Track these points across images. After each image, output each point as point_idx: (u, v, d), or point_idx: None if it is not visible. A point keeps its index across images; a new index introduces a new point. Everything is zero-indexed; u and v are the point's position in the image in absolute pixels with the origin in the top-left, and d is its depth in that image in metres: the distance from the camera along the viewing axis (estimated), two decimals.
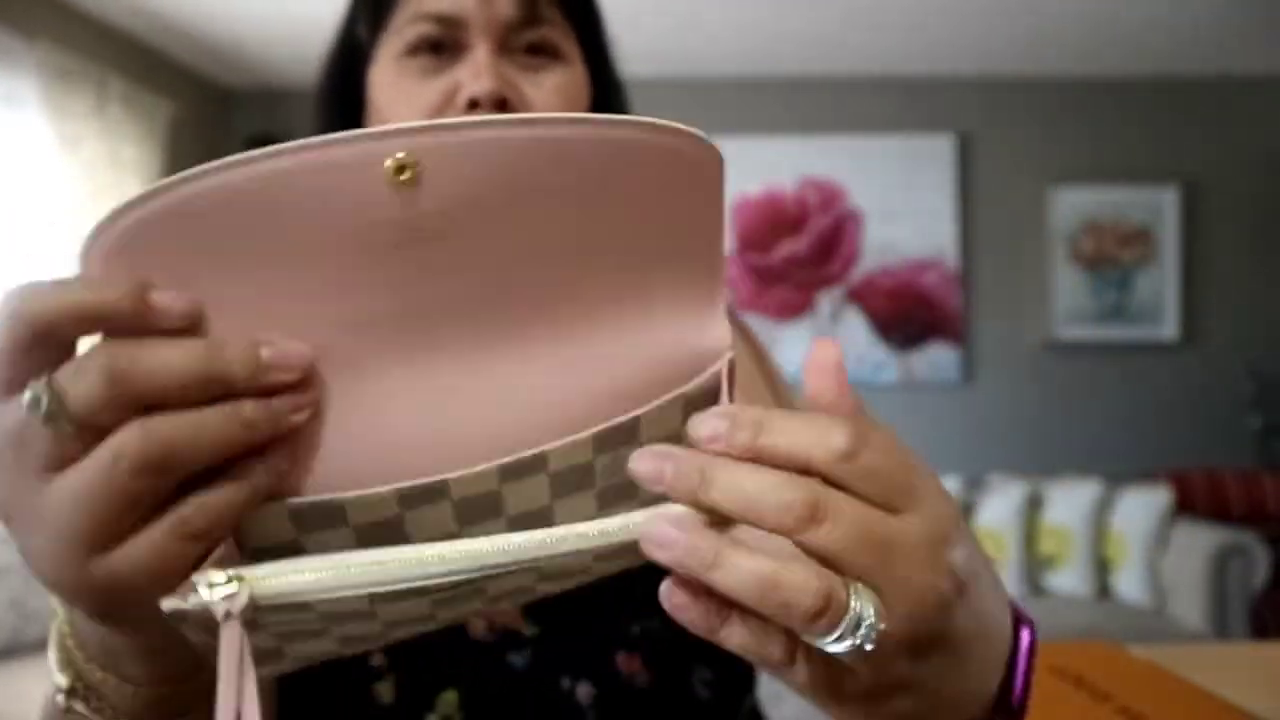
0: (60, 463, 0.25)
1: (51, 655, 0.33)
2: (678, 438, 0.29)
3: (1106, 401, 3.42)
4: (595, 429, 0.29)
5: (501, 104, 0.53)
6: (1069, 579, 2.89)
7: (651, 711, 0.55)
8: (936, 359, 3.40)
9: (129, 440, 0.24)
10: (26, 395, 0.24)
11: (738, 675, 0.58)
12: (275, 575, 0.25)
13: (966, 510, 2.97)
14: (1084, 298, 3.40)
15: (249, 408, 0.25)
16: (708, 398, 0.31)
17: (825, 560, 0.25)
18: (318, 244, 0.24)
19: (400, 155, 0.23)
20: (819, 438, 0.26)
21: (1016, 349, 3.44)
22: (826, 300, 3.41)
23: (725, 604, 0.26)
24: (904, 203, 3.42)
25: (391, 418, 0.27)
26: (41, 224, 2.60)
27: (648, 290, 0.28)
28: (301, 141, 0.23)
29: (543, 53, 0.56)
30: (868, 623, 0.25)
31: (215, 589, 0.24)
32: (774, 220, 3.42)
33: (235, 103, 3.55)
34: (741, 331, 0.66)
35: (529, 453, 0.29)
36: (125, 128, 2.91)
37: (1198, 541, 2.73)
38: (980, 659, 0.30)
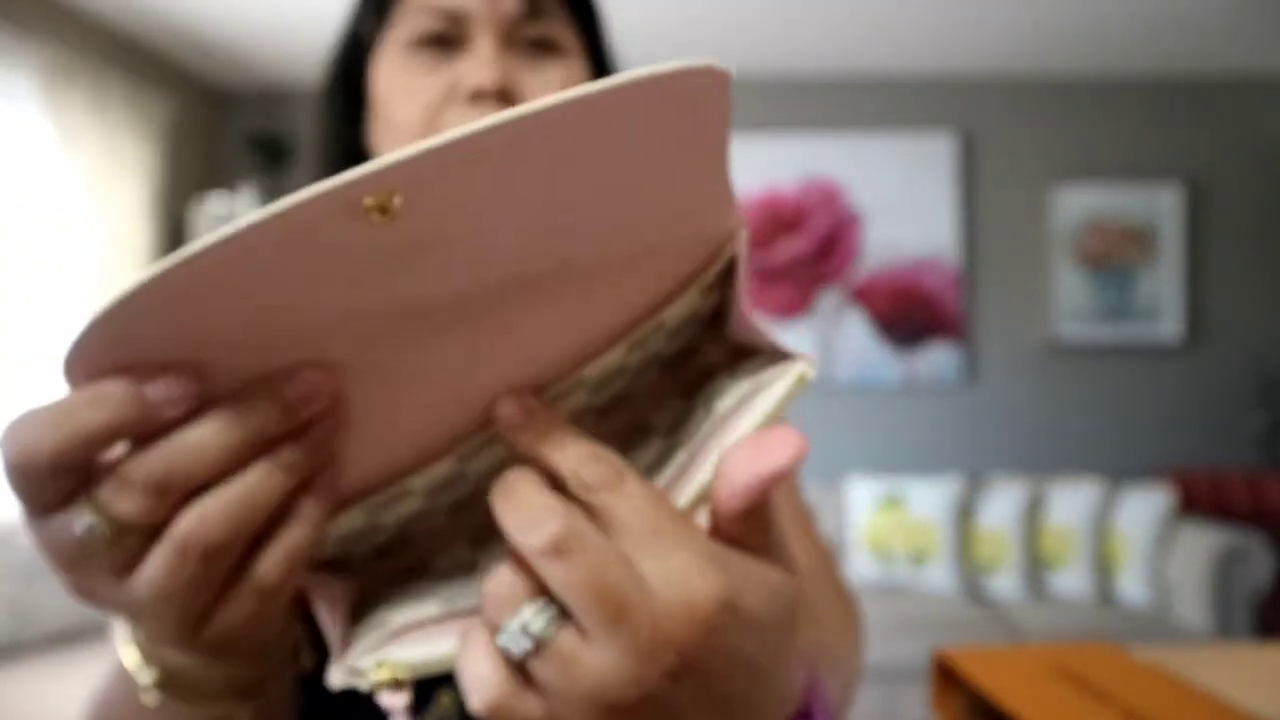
0: (130, 566, 0.25)
1: (129, 652, 0.34)
2: (696, 315, 0.32)
3: (1109, 401, 3.41)
4: (626, 340, 0.30)
5: (505, 95, 0.53)
6: (1071, 579, 2.88)
7: None
8: (937, 359, 3.39)
9: (188, 533, 0.25)
10: (79, 526, 0.24)
11: None
12: (431, 660, 0.27)
13: (968, 511, 2.97)
14: (1086, 297, 3.40)
15: (286, 454, 0.26)
16: (724, 275, 0.32)
17: (553, 594, 0.25)
18: (311, 288, 0.24)
19: (368, 200, 0.22)
20: (592, 468, 0.26)
21: (1018, 348, 3.44)
22: (827, 300, 3.40)
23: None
24: (905, 202, 3.41)
25: (423, 399, 0.28)
26: (41, 223, 2.60)
27: (658, 200, 0.27)
28: (265, 212, 0.22)
29: (545, 47, 0.56)
30: (532, 629, 0.25)
31: (380, 681, 0.27)
32: (774, 220, 3.42)
33: (234, 102, 3.55)
34: None
35: (564, 384, 0.30)
36: (125, 127, 2.91)
37: (1201, 542, 2.72)
38: None
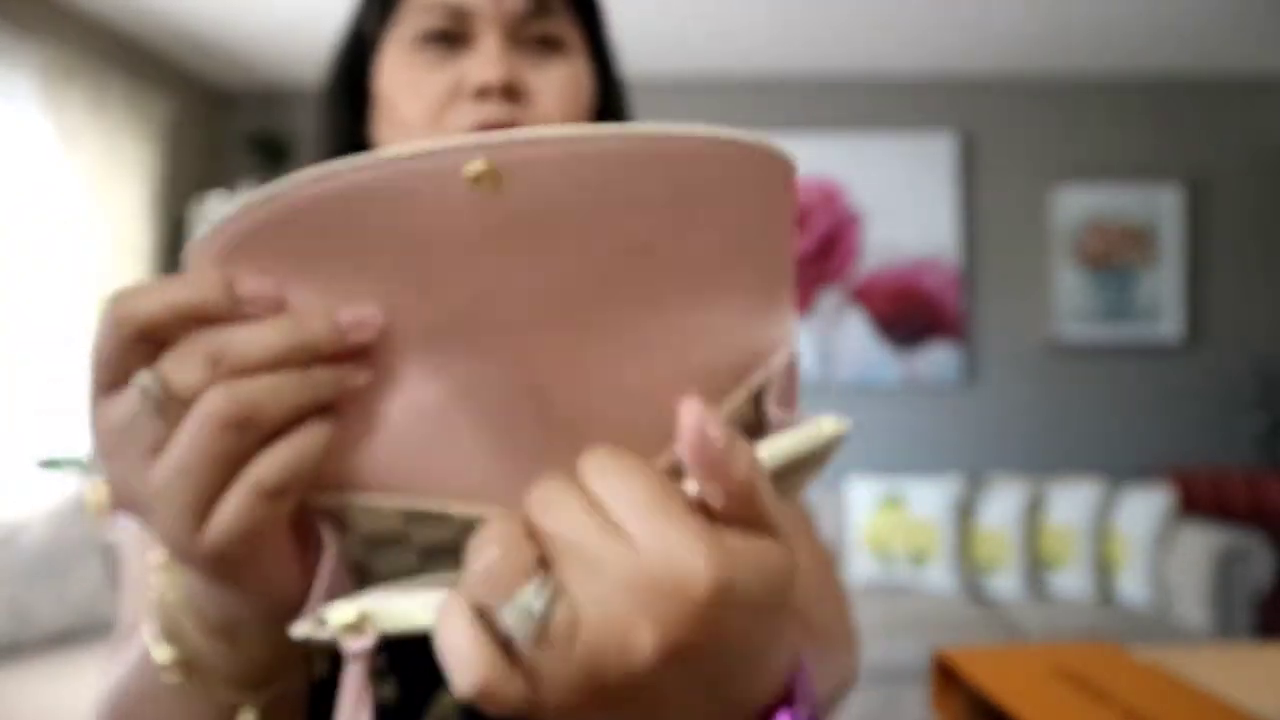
0: (162, 446, 0.28)
1: (152, 629, 0.36)
2: (750, 424, 0.31)
3: (1109, 401, 3.41)
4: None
5: (511, 92, 0.53)
6: (1071, 579, 2.88)
7: None
8: (937, 359, 3.39)
9: (213, 400, 0.27)
10: (136, 386, 0.27)
11: None
12: (403, 612, 0.27)
13: (968, 511, 2.96)
14: (1086, 297, 3.40)
15: (318, 372, 0.28)
16: (774, 388, 0.32)
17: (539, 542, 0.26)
18: (399, 249, 0.26)
19: (479, 165, 0.24)
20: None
21: (1018, 349, 3.43)
22: (828, 300, 3.40)
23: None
24: (905, 202, 3.41)
25: (472, 414, 0.28)
26: (41, 223, 2.60)
27: (719, 289, 0.29)
28: (383, 153, 0.24)
29: (550, 45, 0.56)
30: (536, 610, 0.24)
31: (344, 628, 0.26)
32: None
33: (234, 102, 3.55)
34: None
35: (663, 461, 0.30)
36: (125, 127, 2.91)
37: (1201, 542, 2.72)
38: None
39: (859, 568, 3.00)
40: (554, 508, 0.26)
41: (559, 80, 0.56)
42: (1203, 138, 3.44)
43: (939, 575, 2.91)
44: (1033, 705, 0.48)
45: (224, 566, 0.29)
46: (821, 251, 3.42)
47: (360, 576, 0.31)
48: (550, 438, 0.29)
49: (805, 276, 3.41)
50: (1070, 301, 3.39)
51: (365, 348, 0.28)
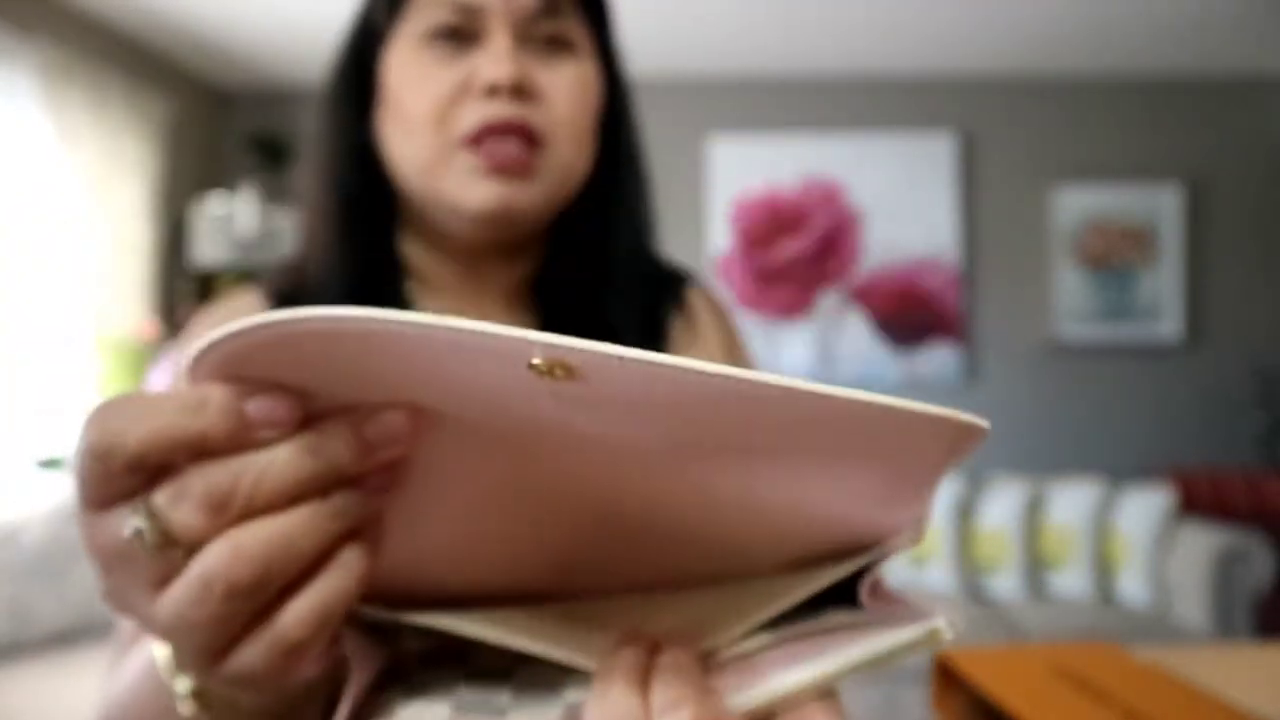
0: (168, 580, 0.24)
1: (166, 661, 0.33)
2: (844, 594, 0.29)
3: (1109, 401, 3.41)
4: (771, 615, 0.28)
5: (519, 91, 0.53)
6: (1071, 579, 2.88)
7: None
8: (937, 359, 3.39)
9: (218, 565, 0.23)
10: (128, 527, 0.24)
11: None
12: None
13: (968, 511, 2.96)
14: (1086, 297, 3.39)
15: (340, 499, 0.24)
16: (875, 571, 0.29)
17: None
18: (457, 393, 0.23)
19: (541, 363, 0.21)
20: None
21: (1018, 349, 3.43)
22: (828, 300, 3.40)
23: None
24: (905, 202, 3.41)
25: (523, 515, 0.27)
26: (41, 222, 2.60)
27: (834, 479, 0.26)
28: (454, 324, 0.21)
29: (559, 45, 0.56)
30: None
31: None
32: (774, 220, 3.41)
33: (233, 102, 3.55)
34: (716, 306, 0.67)
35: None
36: (124, 126, 2.91)
37: (1201, 542, 2.72)
38: None
39: None
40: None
41: (568, 80, 0.56)
42: (1203, 138, 3.44)
43: (939, 575, 2.91)
44: (1033, 705, 0.48)
45: (243, 685, 0.27)
46: (821, 251, 3.41)
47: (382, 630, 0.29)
48: (608, 543, 0.27)
49: (805, 277, 3.41)
50: (1070, 301, 3.39)
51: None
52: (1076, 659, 0.56)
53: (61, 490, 2.33)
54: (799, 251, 3.41)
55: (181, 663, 0.26)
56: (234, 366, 0.23)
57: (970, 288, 3.44)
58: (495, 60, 0.53)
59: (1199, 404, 3.40)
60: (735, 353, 0.65)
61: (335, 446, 0.24)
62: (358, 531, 0.25)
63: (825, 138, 3.42)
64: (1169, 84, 3.44)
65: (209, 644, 0.25)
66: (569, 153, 0.56)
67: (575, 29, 0.57)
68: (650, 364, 0.21)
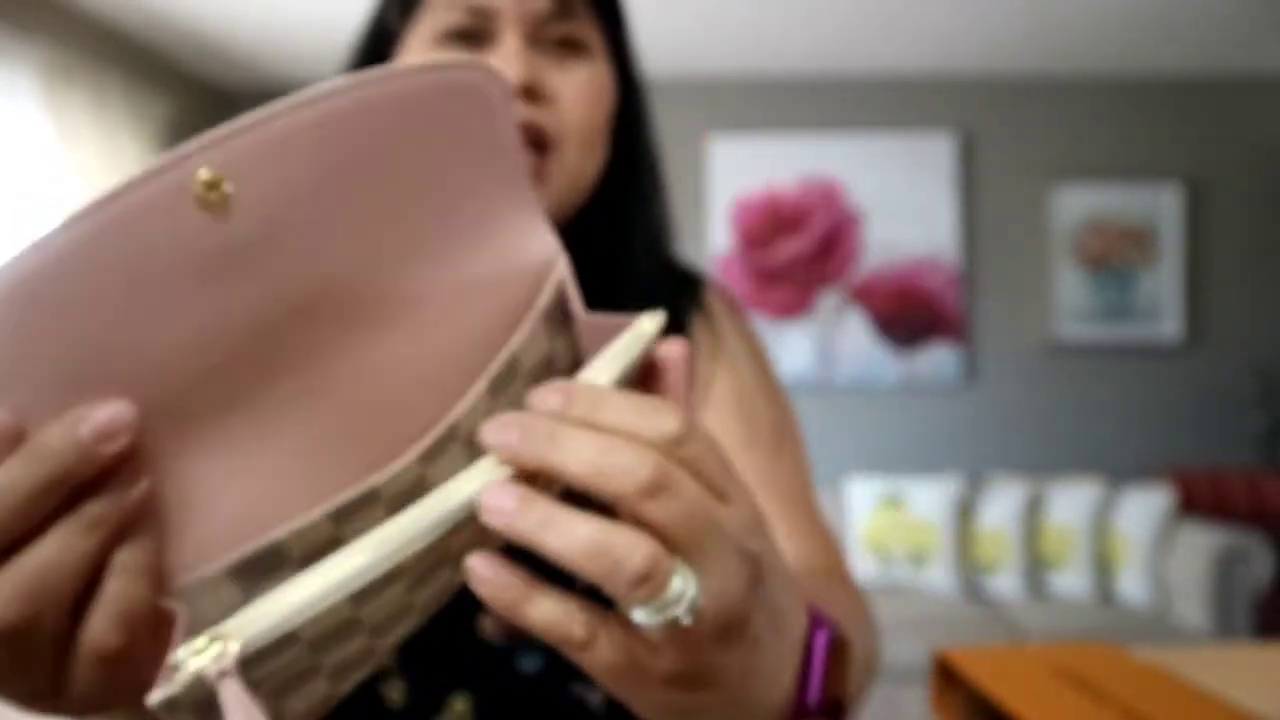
0: None
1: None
2: (554, 365, 0.32)
3: (1109, 401, 3.41)
4: (485, 379, 0.29)
5: (530, 93, 0.53)
6: (1071, 580, 2.88)
7: None
8: (937, 359, 3.39)
9: None
10: None
11: None
12: (257, 614, 0.23)
13: (968, 511, 2.97)
14: (1086, 297, 3.40)
15: (89, 509, 0.24)
16: (561, 307, 0.32)
17: (657, 533, 0.25)
18: (152, 293, 0.23)
19: (203, 175, 0.22)
20: (652, 421, 0.26)
21: (1018, 349, 3.44)
22: (827, 300, 3.40)
23: (530, 580, 0.26)
24: (905, 202, 3.41)
25: (276, 443, 0.27)
26: (40, 222, 2.60)
27: (469, 224, 0.29)
28: (96, 199, 0.21)
29: (572, 47, 0.56)
30: (689, 596, 0.25)
31: (200, 655, 0.22)
32: (774, 220, 3.42)
33: (234, 102, 3.55)
34: (732, 307, 0.67)
35: (440, 428, 0.29)
36: (124, 126, 2.91)
37: (1201, 542, 2.72)
38: (775, 655, 0.30)
39: (859, 568, 3.00)
40: (668, 491, 0.25)
41: (580, 82, 0.56)
42: (1203, 138, 3.44)
43: (939, 575, 2.91)
44: (1032, 705, 0.48)
45: (105, 706, 0.26)
46: (821, 251, 3.42)
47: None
48: (338, 434, 0.28)
49: (805, 277, 3.41)
50: (1070, 301, 3.39)
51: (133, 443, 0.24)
52: (1076, 659, 0.56)
53: None
54: (799, 251, 3.41)
55: (27, 707, 0.25)
56: None
57: (970, 288, 3.44)
58: (506, 62, 0.53)
59: (1199, 404, 3.40)
60: (755, 353, 0.65)
61: (56, 449, 0.23)
62: (127, 528, 0.25)
63: (825, 138, 3.43)
64: (1169, 84, 3.44)
65: (31, 685, 0.24)
66: (579, 157, 0.56)
67: (588, 30, 0.57)
68: (275, 111, 0.23)
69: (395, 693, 0.53)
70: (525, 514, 0.24)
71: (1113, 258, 3.40)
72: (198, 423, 0.25)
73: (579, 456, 0.25)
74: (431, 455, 0.29)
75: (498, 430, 0.26)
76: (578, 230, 0.60)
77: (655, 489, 0.25)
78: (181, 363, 0.24)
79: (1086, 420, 3.41)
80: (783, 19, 2.95)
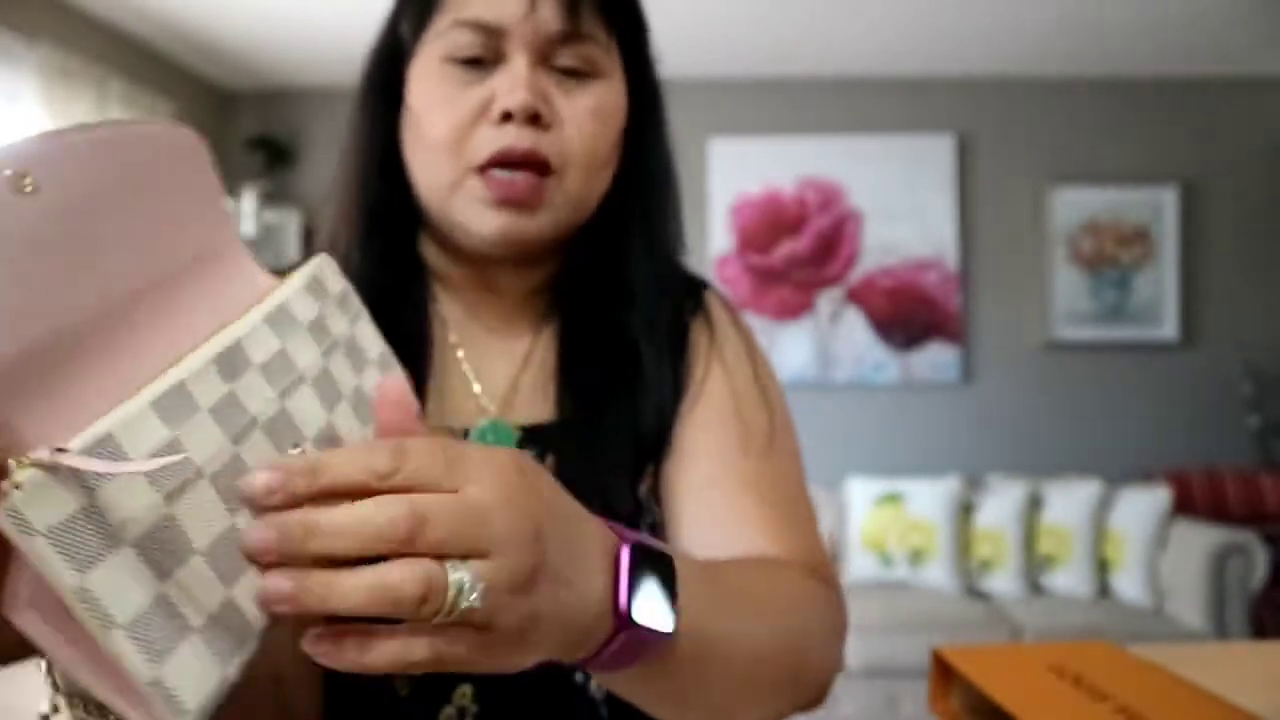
0: None
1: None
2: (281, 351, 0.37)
3: (1106, 402, 3.42)
4: (212, 354, 0.33)
5: (535, 119, 0.54)
6: (1068, 579, 2.89)
7: None
8: (936, 359, 3.40)
9: None
10: None
11: None
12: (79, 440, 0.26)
13: (966, 510, 2.98)
14: (1083, 298, 3.41)
15: None
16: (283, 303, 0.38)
17: (436, 554, 0.29)
18: None
19: (8, 173, 0.27)
20: (365, 465, 0.29)
21: (1016, 349, 3.44)
22: (826, 300, 3.41)
23: (363, 632, 0.29)
24: (904, 203, 3.42)
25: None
26: None
27: (185, 238, 0.36)
28: None
29: (581, 72, 0.57)
30: (478, 586, 0.29)
31: (25, 467, 0.24)
32: (774, 220, 3.42)
33: (235, 103, 3.55)
34: (729, 311, 0.68)
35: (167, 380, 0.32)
36: None
37: (1197, 541, 2.73)
38: (582, 576, 0.34)
39: (858, 566, 3.01)
40: (425, 522, 0.28)
41: (587, 109, 0.56)
42: (1199, 139, 3.45)
43: (937, 574, 2.92)
44: (1030, 702, 0.49)
45: None
46: (820, 252, 3.42)
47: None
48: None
49: (804, 277, 3.42)
50: (1067, 302, 3.40)
51: None
52: (1074, 657, 0.57)
53: None
54: (798, 252, 3.42)
55: None
56: None
57: (968, 288, 3.45)
58: (511, 86, 0.54)
59: (1195, 404, 3.41)
60: (751, 356, 0.65)
61: None
62: None
63: (824, 139, 3.43)
64: (1166, 85, 3.45)
65: None
66: (581, 183, 0.57)
67: (601, 51, 0.57)
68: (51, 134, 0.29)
69: (403, 683, 0.54)
70: (305, 592, 0.27)
71: (1110, 259, 3.41)
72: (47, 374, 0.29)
73: (338, 535, 0.28)
74: (169, 418, 0.30)
75: (258, 533, 0.27)
76: (583, 237, 0.61)
77: (415, 524, 0.28)
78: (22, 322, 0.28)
79: (1084, 420, 3.42)
80: (781, 22, 2.96)
